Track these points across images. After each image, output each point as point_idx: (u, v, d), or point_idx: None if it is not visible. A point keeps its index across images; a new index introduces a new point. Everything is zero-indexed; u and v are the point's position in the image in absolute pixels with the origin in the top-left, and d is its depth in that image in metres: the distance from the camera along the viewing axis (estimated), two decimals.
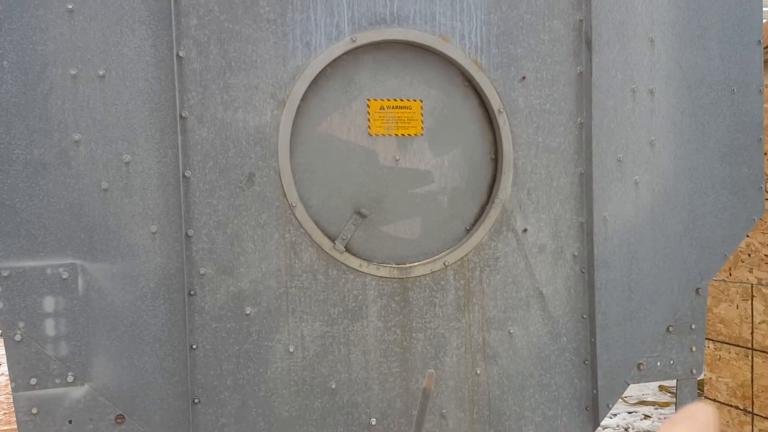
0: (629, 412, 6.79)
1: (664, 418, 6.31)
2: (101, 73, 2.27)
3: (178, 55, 2.31)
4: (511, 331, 2.69)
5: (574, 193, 2.74)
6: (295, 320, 2.48)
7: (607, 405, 2.77)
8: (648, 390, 7.13)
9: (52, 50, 2.23)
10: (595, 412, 2.76)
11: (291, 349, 2.47)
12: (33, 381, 2.25)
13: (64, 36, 2.24)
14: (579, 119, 2.73)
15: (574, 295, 2.75)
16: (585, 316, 2.76)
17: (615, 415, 6.69)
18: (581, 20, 2.69)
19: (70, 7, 2.23)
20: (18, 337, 2.24)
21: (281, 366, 2.47)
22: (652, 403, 6.79)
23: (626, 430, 6.24)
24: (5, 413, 6.63)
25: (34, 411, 2.25)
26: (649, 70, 2.76)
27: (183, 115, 2.33)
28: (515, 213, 2.68)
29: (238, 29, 2.37)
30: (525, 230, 2.69)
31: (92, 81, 2.26)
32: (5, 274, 2.22)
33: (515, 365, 2.70)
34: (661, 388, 7.17)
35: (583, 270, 2.76)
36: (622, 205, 2.78)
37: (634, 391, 7.43)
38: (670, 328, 2.86)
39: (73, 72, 2.24)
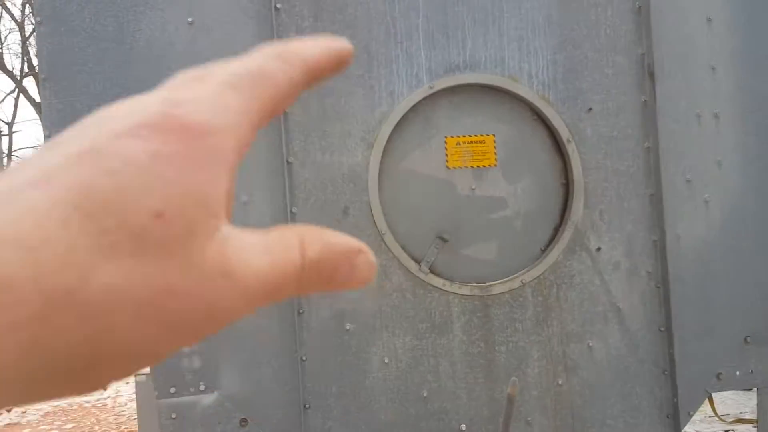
0: (725, 431, 6.56)
1: None
2: None
3: (285, 111, 2.72)
4: (590, 344, 2.88)
5: (645, 212, 2.91)
6: (389, 334, 2.79)
7: (688, 413, 2.88)
8: (746, 408, 6.87)
9: None
10: (676, 420, 2.87)
11: (386, 360, 2.79)
12: (173, 390, 2.68)
13: None
14: (646, 144, 2.91)
15: (650, 309, 2.91)
16: (662, 329, 2.91)
17: None
18: (643, 54, 2.89)
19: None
20: None
21: (378, 375, 2.78)
22: (750, 421, 6.54)
23: None
24: None
25: (174, 416, 2.68)
26: (712, 95, 2.91)
27: (289, 160, 2.74)
28: (588, 233, 2.89)
29: (332, 85, 2.76)
30: (598, 249, 2.89)
31: None
32: None
33: (596, 376, 2.88)
34: None
35: (658, 285, 2.91)
36: (693, 223, 2.92)
37: (731, 408, 7.16)
38: (748, 339, 2.95)
39: None
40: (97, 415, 8.30)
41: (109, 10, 2.63)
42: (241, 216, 2.73)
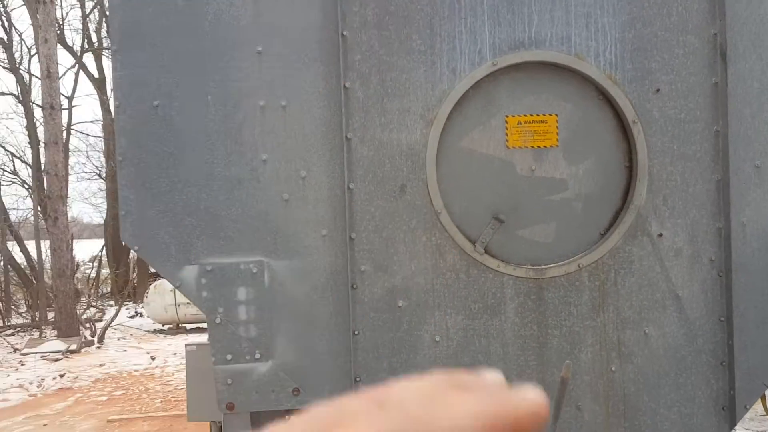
0: None
1: None
2: (283, 103, 2.74)
3: (344, 86, 2.73)
4: (647, 331, 2.82)
5: (711, 199, 2.82)
6: (441, 313, 2.80)
7: (745, 406, 2.81)
8: None
9: (245, 86, 2.74)
10: (732, 412, 2.81)
11: (437, 339, 2.80)
12: (229, 357, 2.76)
13: (254, 74, 2.74)
14: (715, 127, 2.81)
15: (711, 298, 2.83)
16: (722, 318, 2.83)
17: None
18: (716, 34, 2.78)
19: (259, 49, 2.73)
20: (218, 320, 2.76)
21: (429, 353, 2.80)
22: None
23: None
24: (161, 401, 7.58)
25: (229, 381, 2.76)
26: None
27: (348, 136, 2.74)
28: (650, 218, 2.82)
29: (394, 61, 2.75)
30: (660, 235, 2.82)
31: (276, 110, 2.75)
32: (209, 268, 2.75)
33: (650, 364, 2.83)
34: None
35: (721, 274, 2.83)
36: (760, 210, 2.81)
37: None
38: None
39: (261, 103, 2.74)
40: (145, 384, 8.61)
41: None
42: (300, 190, 2.76)
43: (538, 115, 2.83)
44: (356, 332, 2.78)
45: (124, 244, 3.19)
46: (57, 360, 10.38)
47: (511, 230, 2.85)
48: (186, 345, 4.19)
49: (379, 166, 2.77)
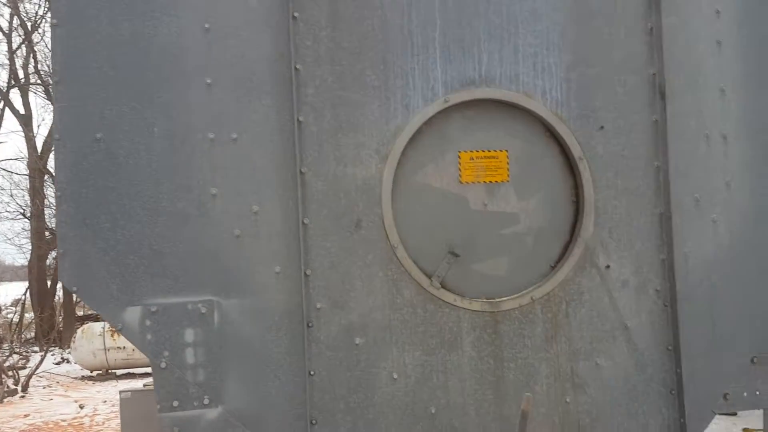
0: None
1: None
2: (234, 136, 2.68)
3: (298, 119, 2.70)
4: (598, 361, 2.87)
5: (654, 231, 2.93)
6: (398, 350, 2.75)
7: None
8: None
9: (194, 119, 2.66)
10: None
11: (395, 376, 2.74)
12: (176, 403, 2.60)
13: (203, 106, 2.67)
14: (656, 163, 2.94)
15: (658, 328, 2.91)
16: (670, 347, 2.91)
17: None
18: (654, 74, 2.93)
19: (208, 81, 2.67)
20: (163, 365, 2.61)
21: (386, 391, 2.73)
22: None
23: None
24: None
25: (176, 430, 2.60)
26: (721, 117, 2.96)
27: (302, 170, 2.70)
28: (598, 251, 2.89)
29: (347, 96, 2.74)
30: (608, 267, 2.89)
31: (227, 143, 2.68)
32: (154, 309, 2.61)
33: (603, 394, 2.86)
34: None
35: (666, 304, 2.92)
36: (701, 242, 2.94)
37: None
38: (755, 360, 2.96)
39: (211, 136, 2.66)
40: None
41: (125, 15, 2.58)
42: (252, 226, 2.68)
43: (489, 151, 2.88)
44: (312, 372, 2.69)
45: (60, 284, 2.99)
46: None
47: (466, 264, 2.86)
48: (120, 392, 3.95)
49: (334, 200, 2.73)
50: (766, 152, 3.00)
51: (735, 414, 6.92)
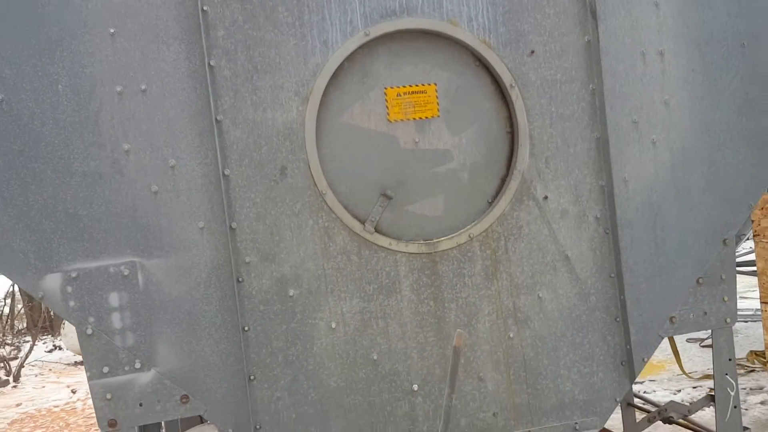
0: (694, 387, 6.68)
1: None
2: (143, 87, 2.51)
3: (209, 64, 2.53)
4: (540, 295, 2.81)
5: (592, 158, 2.84)
6: (335, 299, 2.67)
7: (642, 359, 2.86)
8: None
9: (99, 71, 2.49)
10: (630, 366, 2.85)
11: (333, 326, 2.67)
12: (105, 369, 2.51)
13: (108, 58, 2.49)
14: (591, 86, 2.82)
15: (600, 256, 2.85)
16: (612, 275, 2.86)
17: (679, 391, 6.58)
18: None
19: (112, 30, 2.49)
20: (89, 331, 2.51)
21: (326, 341, 2.66)
22: None
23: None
24: None
25: (109, 396, 2.52)
26: (656, 32, 2.83)
27: (218, 118, 2.55)
28: (535, 182, 2.80)
29: (261, 35, 2.57)
30: (545, 198, 2.81)
31: (136, 95, 2.51)
32: (74, 275, 2.49)
33: (547, 327, 2.82)
34: None
35: (607, 231, 2.85)
36: (641, 165, 2.86)
37: (699, 365, 7.27)
38: (700, 280, 2.93)
39: (118, 89, 2.50)
40: (66, 419, 8.04)
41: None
42: (170, 181, 2.54)
43: (417, 86, 2.74)
44: (246, 328, 2.61)
45: None
46: None
47: (400, 206, 2.76)
48: None
49: (255, 148, 2.60)
50: (706, 66, 2.89)
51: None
